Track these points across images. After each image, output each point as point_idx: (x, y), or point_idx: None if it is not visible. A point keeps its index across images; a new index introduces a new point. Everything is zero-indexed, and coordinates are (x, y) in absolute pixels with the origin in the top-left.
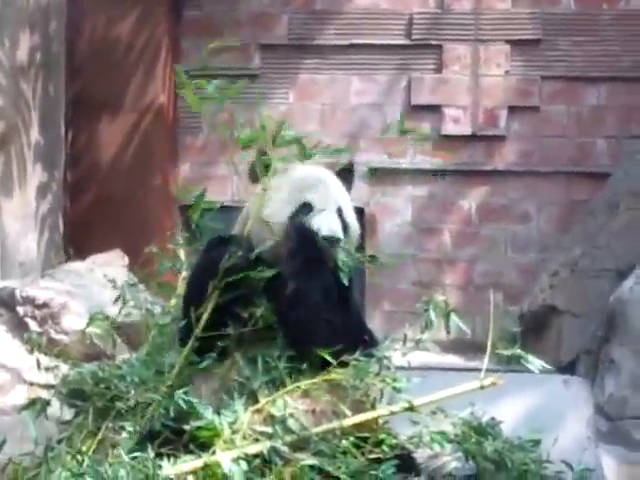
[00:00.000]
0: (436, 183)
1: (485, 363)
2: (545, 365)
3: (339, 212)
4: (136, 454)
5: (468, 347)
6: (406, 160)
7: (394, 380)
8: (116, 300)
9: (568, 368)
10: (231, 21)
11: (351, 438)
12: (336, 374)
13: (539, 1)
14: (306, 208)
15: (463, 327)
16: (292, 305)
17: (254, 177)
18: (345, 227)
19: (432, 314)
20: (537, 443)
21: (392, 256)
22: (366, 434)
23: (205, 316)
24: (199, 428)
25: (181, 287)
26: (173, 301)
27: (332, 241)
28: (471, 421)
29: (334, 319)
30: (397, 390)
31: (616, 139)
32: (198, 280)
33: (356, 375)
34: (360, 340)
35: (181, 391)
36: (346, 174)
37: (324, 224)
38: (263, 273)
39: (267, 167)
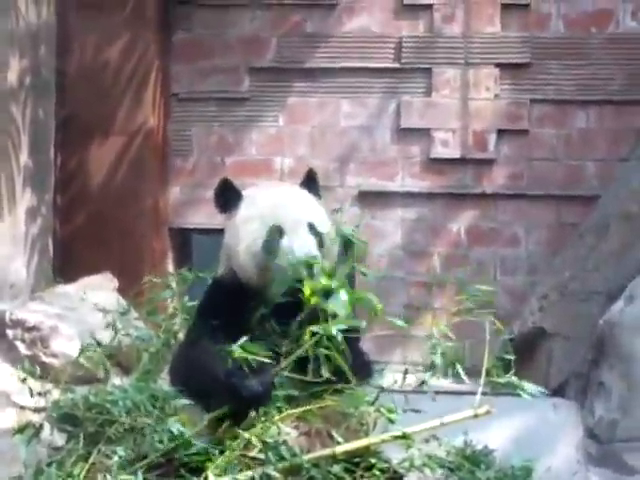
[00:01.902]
0: (425, 206)
1: (479, 392)
2: (541, 391)
3: (310, 227)
4: (125, 477)
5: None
6: (395, 183)
7: (389, 411)
8: (106, 327)
9: (557, 391)
10: (221, 44)
11: (342, 463)
12: (331, 401)
13: (528, 25)
14: (276, 233)
15: (464, 377)
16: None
17: (220, 207)
18: (320, 240)
19: (438, 360)
20: (529, 473)
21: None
22: (357, 459)
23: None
24: (191, 453)
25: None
26: (164, 327)
27: (308, 261)
28: (464, 449)
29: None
30: (391, 421)
31: (605, 162)
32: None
33: (351, 403)
34: (363, 369)
35: (174, 419)
36: (310, 182)
37: (296, 246)
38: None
39: (234, 195)
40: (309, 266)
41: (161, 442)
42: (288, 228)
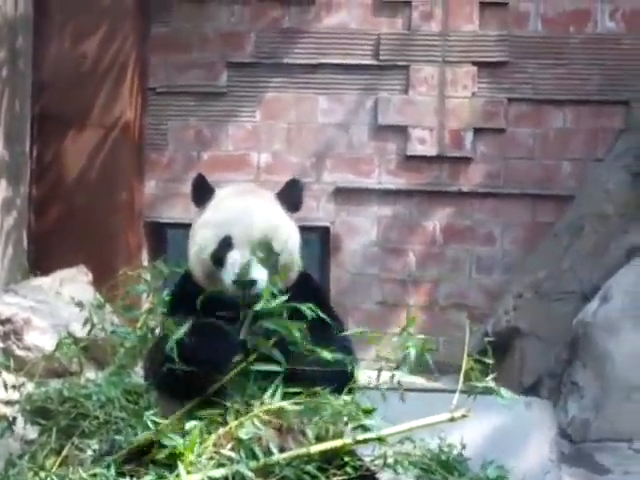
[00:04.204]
0: (401, 204)
1: (457, 394)
2: (516, 398)
3: (263, 245)
4: (97, 471)
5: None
6: (372, 180)
7: (365, 411)
8: (84, 324)
9: (531, 390)
10: (199, 38)
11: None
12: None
13: (506, 23)
14: (225, 245)
15: (431, 364)
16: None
17: (194, 202)
18: (275, 259)
19: (412, 352)
20: None
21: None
22: (330, 456)
23: None
24: (163, 448)
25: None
26: (141, 321)
27: (246, 284)
28: (439, 454)
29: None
30: (366, 429)
31: (582, 162)
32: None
33: (325, 403)
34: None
35: (150, 412)
36: (291, 190)
37: (238, 264)
38: None
39: (205, 192)
40: (245, 288)
41: (134, 437)
42: (238, 243)
